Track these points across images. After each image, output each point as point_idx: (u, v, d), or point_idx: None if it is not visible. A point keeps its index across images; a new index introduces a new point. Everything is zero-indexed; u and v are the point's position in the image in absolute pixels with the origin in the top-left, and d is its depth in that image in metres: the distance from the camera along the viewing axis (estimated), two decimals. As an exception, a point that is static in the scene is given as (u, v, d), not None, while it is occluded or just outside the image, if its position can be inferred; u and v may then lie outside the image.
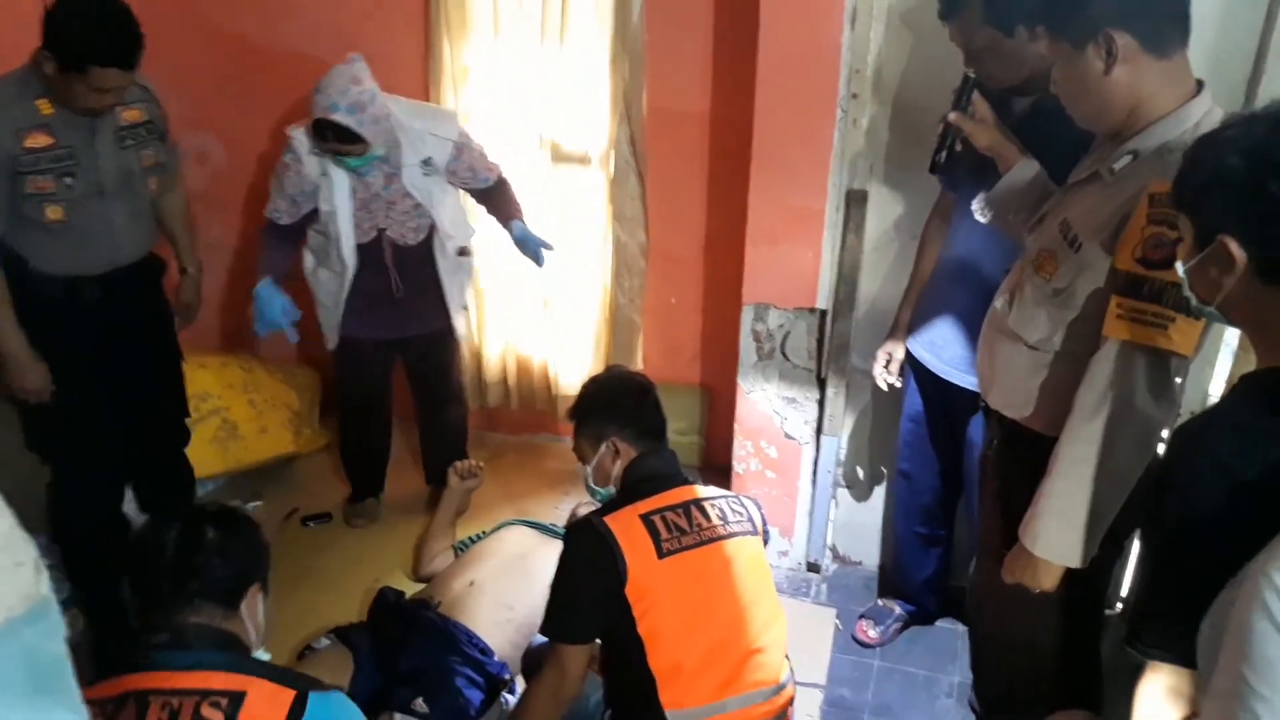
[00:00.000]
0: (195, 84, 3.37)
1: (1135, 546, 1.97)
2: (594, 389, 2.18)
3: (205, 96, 3.38)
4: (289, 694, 1.46)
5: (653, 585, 1.88)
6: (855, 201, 2.63)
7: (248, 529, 1.65)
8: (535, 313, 3.40)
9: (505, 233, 2.94)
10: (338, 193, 2.76)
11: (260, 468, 3.36)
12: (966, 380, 2.31)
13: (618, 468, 2.07)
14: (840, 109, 2.52)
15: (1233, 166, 1.13)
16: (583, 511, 2.59)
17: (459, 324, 3.06)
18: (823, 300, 2.72)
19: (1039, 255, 1.78)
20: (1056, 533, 1.73)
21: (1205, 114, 1.62)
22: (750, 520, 2.04)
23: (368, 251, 2.84)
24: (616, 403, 2.10)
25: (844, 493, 3.03)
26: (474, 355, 3.50)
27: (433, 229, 2.88)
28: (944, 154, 2.06)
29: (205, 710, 1.42)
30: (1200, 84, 1.65)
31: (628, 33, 2.92)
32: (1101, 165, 1.69)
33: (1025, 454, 1.84)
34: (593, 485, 2.14)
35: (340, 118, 2.58)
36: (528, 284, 3.33)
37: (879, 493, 2.98)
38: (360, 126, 2.60)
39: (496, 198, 2.97)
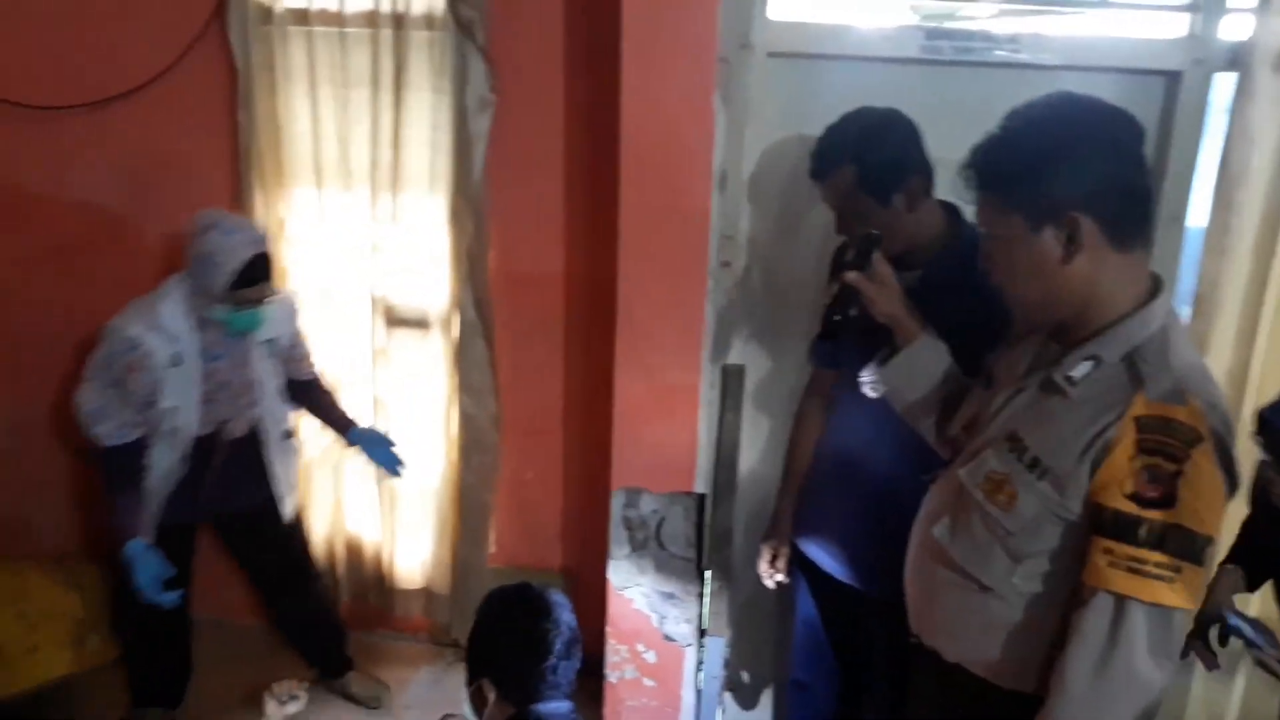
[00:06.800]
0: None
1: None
2: (483, 615, 1.73)
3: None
4: None
5: None
6: (732, 376, 2.37)
7: None
8: (368, 490, 2.98)
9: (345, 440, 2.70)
10: (190, 382, 2.35)
11: (31, 695, 2.75)
12: (866, 584, 2.05)
13: (489, 713, 1.67)
14: (711, 278, 2.28)
15: None
16: None
17: (288, 507, 2.68)
18: (700, 484, 2.44)
19: (989, 478, 1.48)
20: None
21: (1167, 314, 1.41)
22: None
23: (199, 443, 2.44)
24: (497, 647, 1.68)
25: (728, 696, 2.69)
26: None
27: (260, 415, 2.54)
28: (840, 318, 1.73)
29: None
30: (1158, 280, 1.45)
31: (469, 188, 2.63)
32: (1056, 373, 1.43)
33: (972, 705, 1.55)
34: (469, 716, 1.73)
35: (269, 247, 2.33)
36: (358, 458, 2.92)
37: (766, 697, 2.66)
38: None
39: (320, 397, 2.72)
